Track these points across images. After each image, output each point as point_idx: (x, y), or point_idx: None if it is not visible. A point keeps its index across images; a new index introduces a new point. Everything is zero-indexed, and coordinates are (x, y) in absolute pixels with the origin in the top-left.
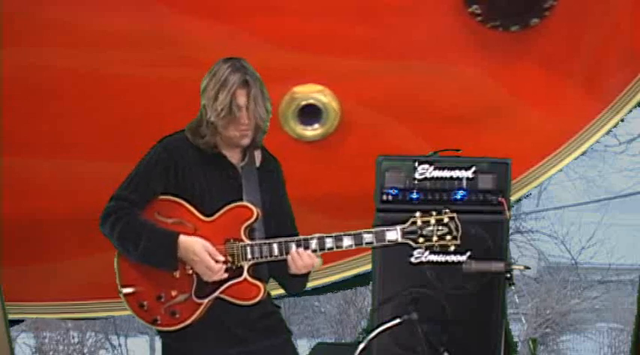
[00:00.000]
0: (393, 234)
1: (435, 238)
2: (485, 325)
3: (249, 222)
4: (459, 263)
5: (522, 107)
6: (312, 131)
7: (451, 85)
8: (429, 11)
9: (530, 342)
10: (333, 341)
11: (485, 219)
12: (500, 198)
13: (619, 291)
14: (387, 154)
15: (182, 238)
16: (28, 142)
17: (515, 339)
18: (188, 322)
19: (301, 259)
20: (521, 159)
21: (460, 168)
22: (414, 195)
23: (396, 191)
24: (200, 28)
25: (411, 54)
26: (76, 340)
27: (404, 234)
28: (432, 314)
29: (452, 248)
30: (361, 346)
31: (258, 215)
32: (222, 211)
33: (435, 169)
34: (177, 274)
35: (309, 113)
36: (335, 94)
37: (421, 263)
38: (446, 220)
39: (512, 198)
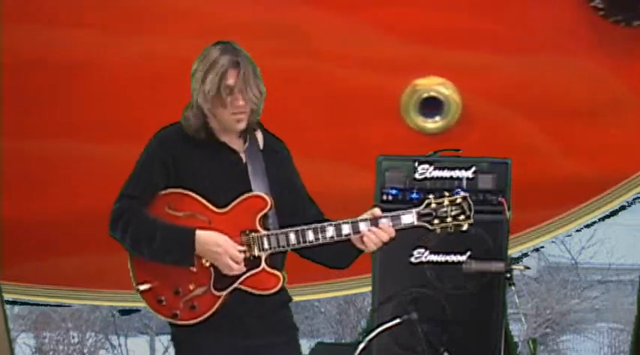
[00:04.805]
0: (409, 218)
1: (449, 219)
2: (485, 325)
3: (263, 212)
4: (459, 263)
5: None
6: (433, 123)
7: (572, 79)
8: (551, 5)
9: (530, 342)
10: (332, 341)
11: (486, 219)
12: (500, 198)
13: (619, 291)
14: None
15: (199, 233)
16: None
17: (515, 339)
18: (207, 315)
19: (376, 236)
20: None
21: (460, 168)
22: (414, 195)
23: (395, 191)
24: (322, 19)
25: (532, 48)
26: (76, 340)
27: (419, 216)
28: (432, 314)
29: (465, 227)
30: (361, 346)
31: (272, 204)
32: (234, 203)
33: (435, 169)
34: (194, 268)
35: (431, 105)
36: (456, 87)
37: (421, 263)
38: (459, 201)
39: (630, 195)
